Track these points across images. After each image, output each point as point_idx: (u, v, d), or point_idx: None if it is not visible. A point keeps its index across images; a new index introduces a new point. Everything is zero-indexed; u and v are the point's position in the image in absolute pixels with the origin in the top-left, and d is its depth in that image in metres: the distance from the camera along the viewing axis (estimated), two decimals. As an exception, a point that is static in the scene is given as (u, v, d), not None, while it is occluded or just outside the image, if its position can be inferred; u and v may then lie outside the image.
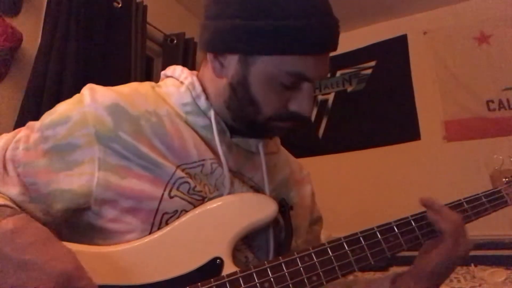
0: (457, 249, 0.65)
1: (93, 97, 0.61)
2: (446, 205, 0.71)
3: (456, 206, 0.73)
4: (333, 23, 0.63)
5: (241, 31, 0.61)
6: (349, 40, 2.94)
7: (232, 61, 0.64)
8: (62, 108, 0.63)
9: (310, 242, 0.82)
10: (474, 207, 0.74)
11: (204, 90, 0.69)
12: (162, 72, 0.77)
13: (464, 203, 0.74)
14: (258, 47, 0.61)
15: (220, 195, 0.65)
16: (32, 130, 0.62)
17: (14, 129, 1.50)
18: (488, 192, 0.78)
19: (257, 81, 0.62)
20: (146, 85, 0.70)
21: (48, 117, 0.62)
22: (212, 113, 0.67)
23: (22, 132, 0.63)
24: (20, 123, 1.56)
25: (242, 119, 0.67)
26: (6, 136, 0.64)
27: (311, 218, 0.84)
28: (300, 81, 0.63)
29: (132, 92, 0.65)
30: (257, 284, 0.56)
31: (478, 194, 0.77)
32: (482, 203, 0.76)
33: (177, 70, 0.73)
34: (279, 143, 0.82)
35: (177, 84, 0.70)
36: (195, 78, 0.70)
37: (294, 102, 0.64)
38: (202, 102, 0.67)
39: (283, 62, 0.61)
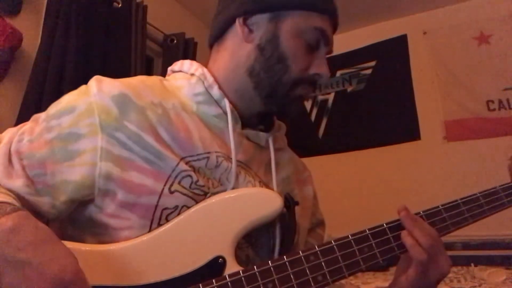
0: (436, 268, 0.62)
1: (99, 87, 0.61)
2: (460, 199, 0.71)
3: (471, 200, 0.71)
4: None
5: None
6: (349, 40, 2.94)
7: (262, 22, 0.69)
8: (68, 98, 0.62)
9: (312, 245, 0.82)
10: (489, 202, 0.72)
11: (215, 80, 0.70)
12: (169, 68, 0.77)
13: (480, 197, 0.72)
14: (289, 1, 0.68)
15: (224, 190, 0.63)
16: (37, 122, 0.62)
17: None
18: (506, 186, 0.75)
19: (287, 36, 0.68)
20: (154, 78, 0.70)
21: (54, 107, 0.62)
22: (226, 101, 0.68)
23: (27, 125, 0.63)
24: (20, 123, 1.55)
25: (266, 82, 0.68)
26: (11, 130, 0.63)
27: (312, 220, 0.83)
28: (320, 40, 0.70)
29: (139, 84, 0.65)
30: (261, 284, 0.55)
31: (495, 188, 0.74)
32: (500, 197, 0.73)
33: (185, 64, 0.74)
34: (286, 141, 0.82)
35: (187, 76, 0.71)
36: (205, 70, 0.71)
37: (314, 65, 0.70)
38: (215, 92, 0.69)
39: (310, 17, 0.69)
